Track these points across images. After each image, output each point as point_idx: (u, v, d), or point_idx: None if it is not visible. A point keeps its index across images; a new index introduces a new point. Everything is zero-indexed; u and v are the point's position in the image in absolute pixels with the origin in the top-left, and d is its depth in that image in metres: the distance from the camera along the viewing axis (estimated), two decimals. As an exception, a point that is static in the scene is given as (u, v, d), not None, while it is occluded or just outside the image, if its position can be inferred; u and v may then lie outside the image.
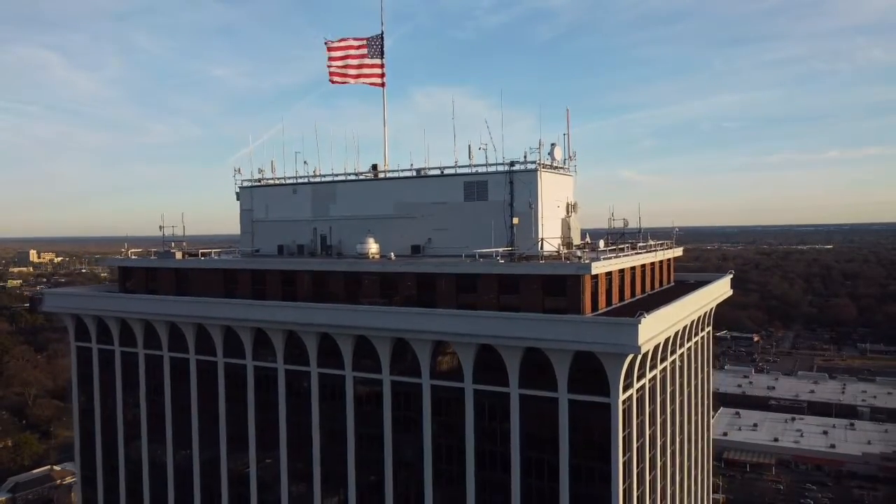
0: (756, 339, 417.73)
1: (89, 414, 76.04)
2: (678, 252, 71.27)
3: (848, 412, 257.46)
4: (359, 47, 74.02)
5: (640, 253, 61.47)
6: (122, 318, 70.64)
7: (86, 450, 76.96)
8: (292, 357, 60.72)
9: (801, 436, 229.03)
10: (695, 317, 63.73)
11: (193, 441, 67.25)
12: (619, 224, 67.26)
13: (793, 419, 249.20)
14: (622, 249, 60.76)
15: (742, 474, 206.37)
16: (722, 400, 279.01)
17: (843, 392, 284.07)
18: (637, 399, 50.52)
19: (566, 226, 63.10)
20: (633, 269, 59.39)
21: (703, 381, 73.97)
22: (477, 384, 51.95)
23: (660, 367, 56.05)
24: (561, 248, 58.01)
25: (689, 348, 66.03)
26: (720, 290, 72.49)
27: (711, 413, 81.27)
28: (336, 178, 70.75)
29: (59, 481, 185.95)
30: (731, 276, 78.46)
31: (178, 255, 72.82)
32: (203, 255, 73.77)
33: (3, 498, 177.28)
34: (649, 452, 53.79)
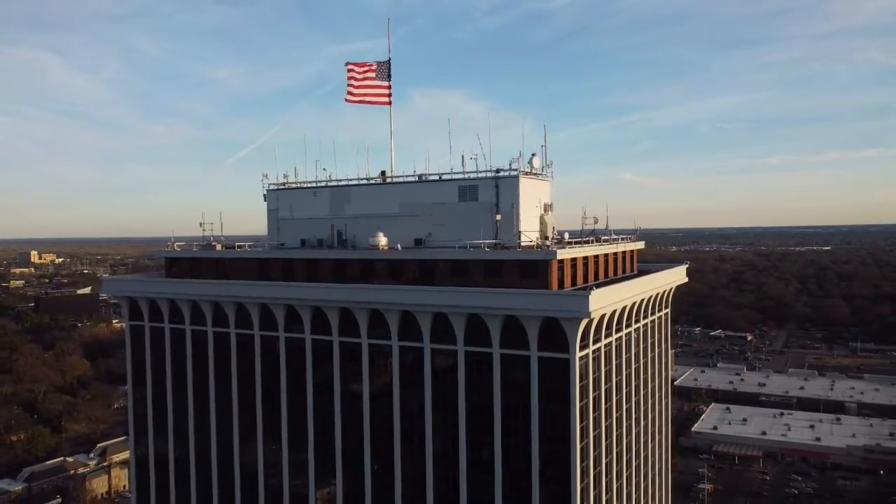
0: (750, 338, 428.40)
1: (141, 383, 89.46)
2: (640, 245, 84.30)
3: (836, 408, 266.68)
4: (370, 71, 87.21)
5: (602, 245, 74.48)
6: (171, 299, 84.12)
7: (139, 414, 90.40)
8: (318, 329, 74.11)
9: (789, 430, 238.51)
10: (647, 296, 76.83)
11: (233, 399, 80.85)
12: (594, 223, 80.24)
13: (781, 414, 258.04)
14: (588, 242, 73.91)
15: (731, 466, 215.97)
16: (713, 396, 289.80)
17: (831, 389, 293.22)
18: (593, 358, 63.74)
19: (543, 222, 76.12)
20: (595, 257, 72.55)
21: (661, 356, 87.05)
22: (467, 346, 65.27)
23: (615, 336, 69.24)
24: (538, 240, 71.22)
25: (644, 324, 79.17)
26: (673, 276, 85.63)
27: (670, 385, 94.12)
28: (350, 183, 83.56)
29: (71, 472, 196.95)
30: (687, 265, 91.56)
31: (218, 248, 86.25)
32: (238, 247, 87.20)
33: (20, 487, 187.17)
34: (605, 404, 66.97)
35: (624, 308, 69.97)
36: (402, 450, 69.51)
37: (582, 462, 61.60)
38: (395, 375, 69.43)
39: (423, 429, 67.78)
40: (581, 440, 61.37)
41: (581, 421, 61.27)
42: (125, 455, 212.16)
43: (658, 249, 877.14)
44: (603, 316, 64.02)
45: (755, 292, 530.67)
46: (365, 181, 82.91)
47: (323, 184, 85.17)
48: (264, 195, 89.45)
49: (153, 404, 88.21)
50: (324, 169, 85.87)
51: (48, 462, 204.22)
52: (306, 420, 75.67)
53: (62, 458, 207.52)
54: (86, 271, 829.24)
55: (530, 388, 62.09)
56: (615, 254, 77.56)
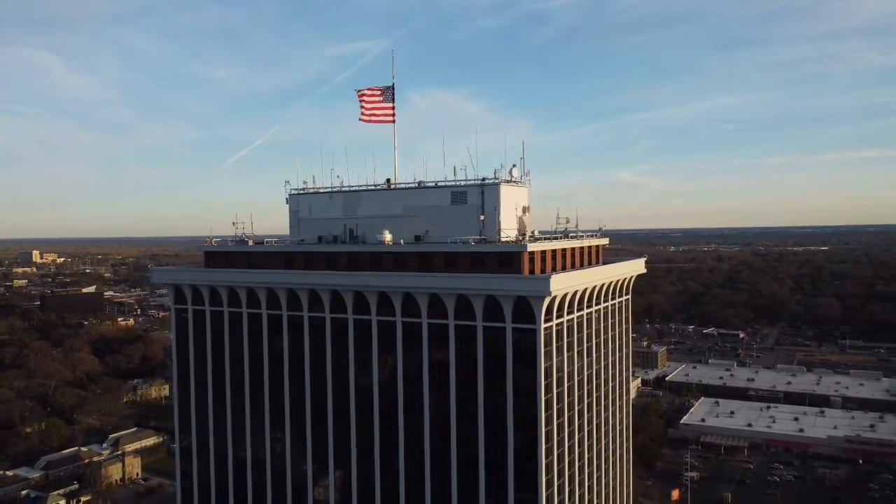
0: (742, 335, 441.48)
1: (185, 359, 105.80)
2: (604, 242, 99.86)
3: (821, 402, 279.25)
4: (376, 95, 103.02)
5: (569, 240, 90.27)
6: (212, 286, 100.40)
7: (182, 386, 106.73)
8: (335, 309, 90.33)
9: (774, 422, 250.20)
10: (606, 282, 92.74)
11: (264, 369, 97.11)
12: (566, 223, 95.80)
13: (767, 407, 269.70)
14: (556, 238, 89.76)
15: (717, 455, 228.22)
16: (704, 391, 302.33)
17: (817, 384, 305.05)
18: (556, 331, 79.72)
19: (521, 222, 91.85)
20: (563, 251, 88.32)
21: (623, 335, 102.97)
22: (456, 321, 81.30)
23: (576, 314, 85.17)
24: (516, 236, 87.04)
25: (605, 307, 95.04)
26: (630, 268, 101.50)
27: (631, 361, 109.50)
28: (360, 189, 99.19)
29: (87, 461, 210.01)
30: (646, 258, 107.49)
31: (250, 243, 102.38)
32: (266, 243, 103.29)
33: (37, 475, 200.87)
34: (567, 368, 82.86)
35: (585, 290, 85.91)
36: (404, 404, 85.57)
37: (546, 412, 77.52)
38: (399, 344, 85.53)
39: (422, 387, 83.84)
40: (546, 395, 77.29)
41: (546, 379, 77.21)
42: (137, 445, 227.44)
43: (657, 249, 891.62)
44: (565, 296, 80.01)
45: (749, 291, 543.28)
46: (373, 187, 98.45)
47: (337, 189, 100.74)
48: (286, 199, 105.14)
49: (195, 374, 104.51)
50: (338, 176, 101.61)
51: (64, 451, 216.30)
52: (325, 383, 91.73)
53: (77, 448, 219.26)
54: (87, 271, 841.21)
55: (505, 353, 78.07)
56: (581, 248, 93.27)
